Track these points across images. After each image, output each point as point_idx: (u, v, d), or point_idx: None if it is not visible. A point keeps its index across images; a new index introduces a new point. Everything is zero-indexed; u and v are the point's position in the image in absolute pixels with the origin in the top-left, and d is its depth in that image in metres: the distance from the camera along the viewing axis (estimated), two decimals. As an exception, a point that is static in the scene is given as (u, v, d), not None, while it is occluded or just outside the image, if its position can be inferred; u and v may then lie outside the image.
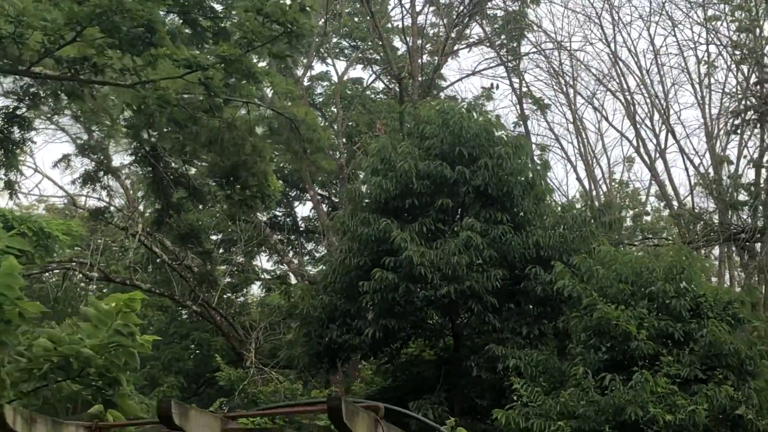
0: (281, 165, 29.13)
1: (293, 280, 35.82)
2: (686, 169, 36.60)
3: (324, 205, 36.70)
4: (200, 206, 26.40)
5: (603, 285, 20.05)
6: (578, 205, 28.94)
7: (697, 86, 36.50)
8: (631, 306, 19.64)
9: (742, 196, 33.16)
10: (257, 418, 9.49)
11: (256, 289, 38.27)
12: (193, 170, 24.59)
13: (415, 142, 22.43)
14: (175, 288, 31.61)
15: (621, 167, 40.93)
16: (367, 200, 22.09)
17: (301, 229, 39.40)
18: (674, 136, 37.00)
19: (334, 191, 38.56)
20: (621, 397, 18.25)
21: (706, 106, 36.45)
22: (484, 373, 21.36)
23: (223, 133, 18.17)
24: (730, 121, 32.17)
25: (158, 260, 30.52)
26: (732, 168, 33.01)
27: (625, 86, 38.85)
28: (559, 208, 22.82)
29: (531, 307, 21.84)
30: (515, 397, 19.22)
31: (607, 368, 19.22)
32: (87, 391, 6.82)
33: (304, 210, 40.19)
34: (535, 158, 28.33)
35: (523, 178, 21.98)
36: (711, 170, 35.26)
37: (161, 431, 6.79)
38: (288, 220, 39.15)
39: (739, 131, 32.24)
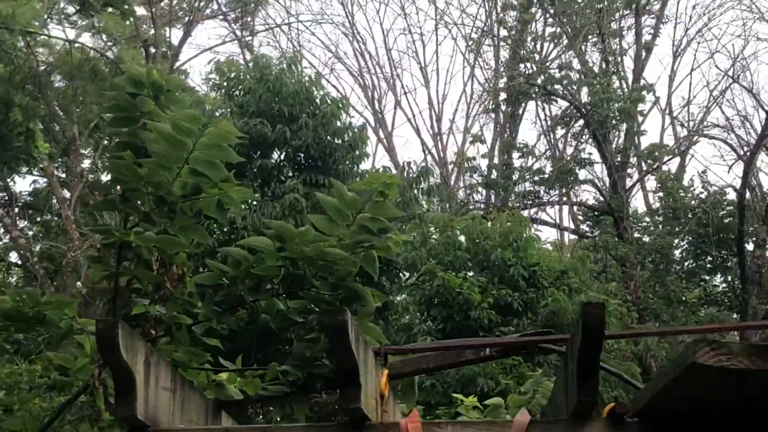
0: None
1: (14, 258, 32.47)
2: (425, 150, 36.58)
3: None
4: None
5: (438, 252, 19.20)
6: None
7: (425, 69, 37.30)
8: (466, 274, 18.96)
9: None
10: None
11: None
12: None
13: (224, 99, 20.55)
14: None
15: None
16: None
17: (19, 204, 35.71)
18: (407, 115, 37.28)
19: (59, 163, 35.22)
20: (470, 368, 17.46)
21: (432, 88, 37.21)
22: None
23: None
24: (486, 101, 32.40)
25: None
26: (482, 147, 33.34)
27: (362, 64, 38.41)
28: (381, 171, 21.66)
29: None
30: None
31: (445, 339, 18.36)
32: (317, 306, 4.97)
33: (22, 184, 36.52)
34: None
35: (340, 141, 20.66)
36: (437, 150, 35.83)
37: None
38: (3, 193, 35.37)
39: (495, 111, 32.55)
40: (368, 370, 4.29)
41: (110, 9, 17.65)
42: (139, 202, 4.79)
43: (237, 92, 20.69)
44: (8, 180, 35.55)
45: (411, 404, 5.05)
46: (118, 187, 4.83)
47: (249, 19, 38.86)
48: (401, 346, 4.78)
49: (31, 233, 36.39)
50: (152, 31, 32.88)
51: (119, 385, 3.92)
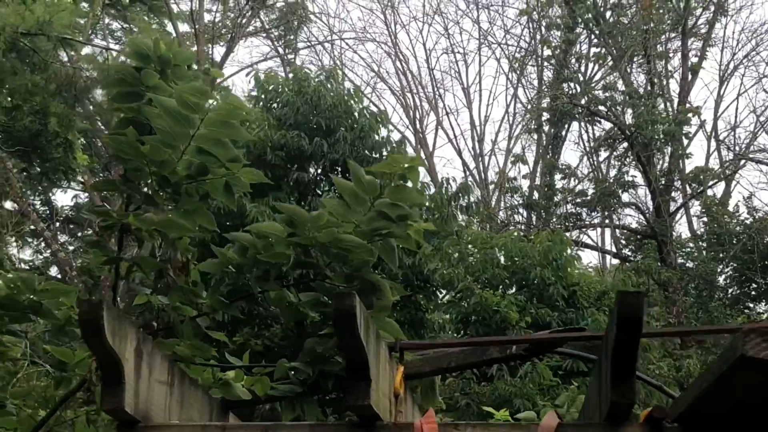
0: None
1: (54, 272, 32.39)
2: (466, 171, 36.14)
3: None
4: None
5: (475, 269, 18.78)
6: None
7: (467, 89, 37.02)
8: (505, 292, 18.54)
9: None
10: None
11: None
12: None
13: (262, 111, 20.26)
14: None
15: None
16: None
17: (60, 218, 35.72)
18: (449, 136, 36.96)
19: (101, 178, 35.15)
20: (506, 388, 17.01)
21: (474, 109, 36.87)
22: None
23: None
24: (528, 121, 32.02)
25: None
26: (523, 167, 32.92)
27: (405, 84, 38.12)
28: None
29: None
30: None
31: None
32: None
33: (64, 198, 36.50)
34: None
35: (378, 155, 20.28)
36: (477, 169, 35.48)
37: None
38: (44, 208, 35.40)
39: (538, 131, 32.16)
40: (381, 365, 3.91)
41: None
42: (142, 183, 4.45)
43: (275, 105, 20.40)
44: (49, 194, 35.63)
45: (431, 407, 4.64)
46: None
47: (292, 36, 38.74)
48: (419, 341, 4.33)
49: (71, 248, 36.39)
50: (195, 48, 32.86)
51: (105, 375, 3.57)
